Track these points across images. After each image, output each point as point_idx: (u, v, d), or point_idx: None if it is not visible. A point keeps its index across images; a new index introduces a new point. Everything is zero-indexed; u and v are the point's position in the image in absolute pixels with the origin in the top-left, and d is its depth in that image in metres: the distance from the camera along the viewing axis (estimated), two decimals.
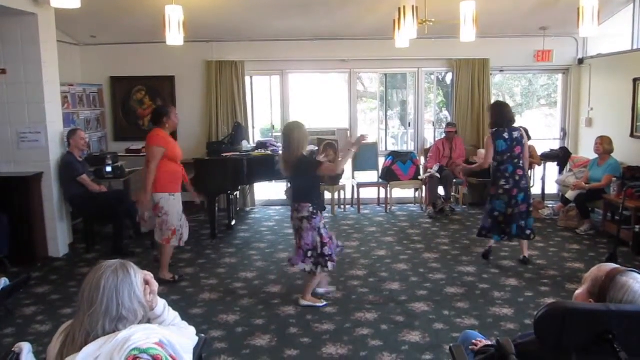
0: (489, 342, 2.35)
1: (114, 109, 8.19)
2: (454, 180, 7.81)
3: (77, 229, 6.53)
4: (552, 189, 8.26)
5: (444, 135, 8.08)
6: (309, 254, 4.31)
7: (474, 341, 2.41)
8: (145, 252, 6.01)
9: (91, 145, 7.34)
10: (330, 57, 8.14)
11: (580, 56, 8.22)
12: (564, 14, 6.70)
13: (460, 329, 3.90)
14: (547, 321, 1.78)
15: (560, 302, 1.86)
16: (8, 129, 5.75)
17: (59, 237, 5.93)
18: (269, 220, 7.56)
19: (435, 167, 7.69)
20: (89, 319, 1.64)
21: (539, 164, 7.76)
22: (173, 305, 2.03)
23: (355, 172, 8.19)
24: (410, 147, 8.77)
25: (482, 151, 7.81)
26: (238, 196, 8.02)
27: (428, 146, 8.44)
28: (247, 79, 8.23)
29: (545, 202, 7.82)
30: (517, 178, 5.25)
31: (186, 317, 2.21)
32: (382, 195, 8.11)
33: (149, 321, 1.80)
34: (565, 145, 8.44)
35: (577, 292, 1.93)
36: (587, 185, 6.69)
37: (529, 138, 7.53)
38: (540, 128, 12.61)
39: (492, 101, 7.78)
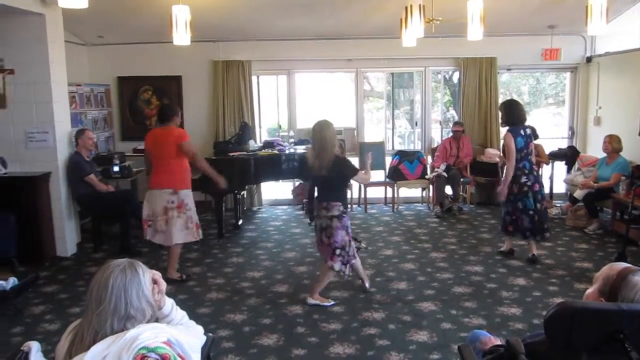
0: (498, 341, 2.34)
1: (121, 109, 8.21)
2: (461, 180, 7.78)
3: (84, 228, 6.56)
4: (560, 188, 8.22)
5: (451, 134, 8.05)
6: (337, 252, 4.33)
7: (483, 339, 2.39)
8: (153, 252, 6.02)
9: (99, 145, 7.37)
10: (336, 57, 8.13)
11: (588, 54, 8.17)
12: (572, 12, 6.66)
13: (468, 328, 3.89)
14: (557, 321, 1.76)
15: (570, 301, 1.85)
16: (16, 128, 5.78)
17: (66, 237, 5.96)
18: (275, 220, 7.56)
19: (442, 167, 7.67)
20: (97, 318, 1.64)
21: (547, 163, 7.72)
22: (181, 304, 2.03)
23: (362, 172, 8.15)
24: (417, 146, 8.74)
25: (490, 150, 7.81)
26: (245, 196, 8.03)
27: (435, 145, 8.41)
28: (254, 78, 8.24)
29: (554, 201, 7.78)
30: (535, 174, 5.37)
31: (194, 316, 2.21)
32: (389, 195, 8.10)
33: (156, 320, 1.80)
34: (574, 144, 8.39)
35: (588, 291, 1.91)
36: (595, 184, 6.65)
37: (537, 137, 7.53)
38: (548, 127, 12.54)
39: (500, 100, 7.78)
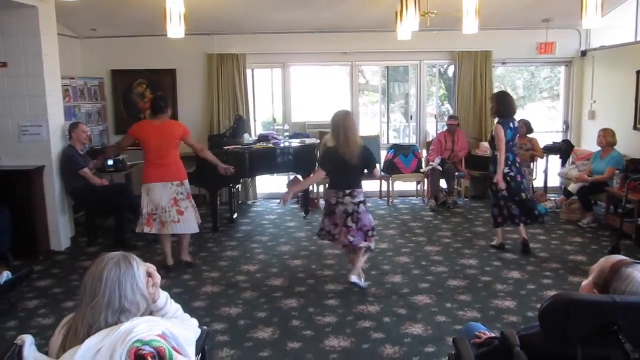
0: (492, 335, 2.34)
1: (115, 103, 8.17)
2: (456, 174, 7.79)
3: (79, 222, 6.53)
4: (554, 181, 8.25)
5: (446, 128, 8.05)
6: (370, 233, 4.63)
7: (477, 333, 2.40)
8: (147, 245, 6.01)
9: (93, 138, 7.33)
10: (331, 50, 8.11)
11: (583, 48, 8.18)
12: (567, 6, 6.65)
13: (463, 321, 3.90)
14: (552, 313, 1.77)
15: (565, 293, 1.85)
16: (9, 122, 5.73)
17: (61, 231, 5.93)
18: (270, 214, 7.55)
19: (438, 160, 7.67)
20: (91, 312, 1.63)
21: (542, 157, 7.74)
22: (175, 298, 2.02)
23: None
24: (413, 140, 8.75)
25: (485, 144, 7.81)
26: (240, 189, 8.02)
27: (430, 139, 8.41)
28: (249, 71, 8.21)
29: (548, 195, 7.81)
30: (518, 165, 5.52)
31: (189, 310, 2.20)
32: (384, 189, 8.11)
33: (151, 314, 1.79)
34: (568, 138, 8.41)
35: (584, 283, 1.92)
36: (590, 178, 6.67)
37: (532, 131, 7.55)
38: (543, 121, 12.58)
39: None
